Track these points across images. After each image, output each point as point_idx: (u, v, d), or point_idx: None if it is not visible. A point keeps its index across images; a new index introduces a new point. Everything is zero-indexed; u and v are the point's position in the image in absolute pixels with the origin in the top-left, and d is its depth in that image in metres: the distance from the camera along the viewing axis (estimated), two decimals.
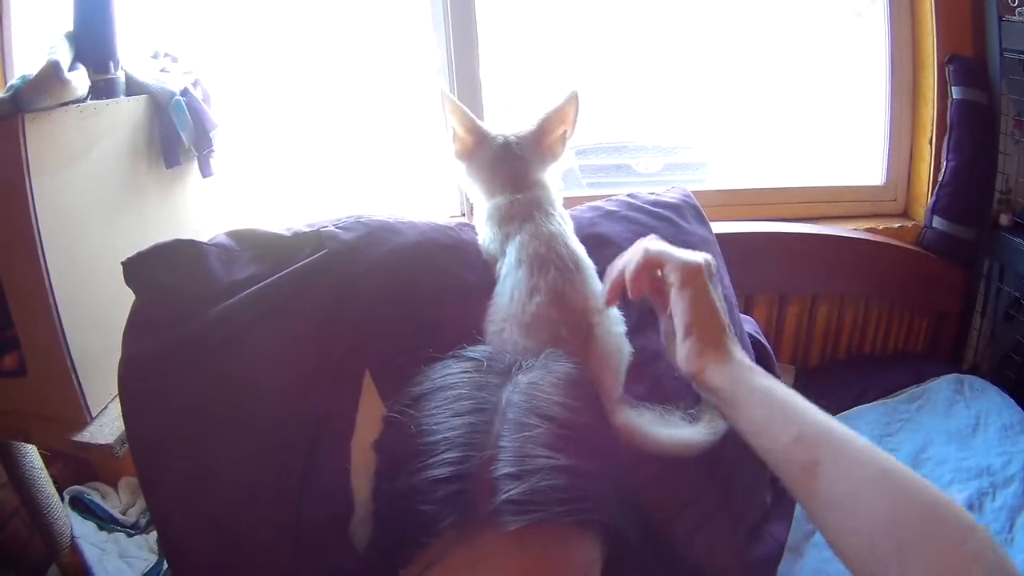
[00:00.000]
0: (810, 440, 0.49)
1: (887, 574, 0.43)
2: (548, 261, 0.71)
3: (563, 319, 0.67)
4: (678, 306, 0.58)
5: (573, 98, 0.78)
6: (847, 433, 0.50)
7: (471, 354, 0.59)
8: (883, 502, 0.46)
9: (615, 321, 0.71)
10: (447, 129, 0.81)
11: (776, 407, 0.52)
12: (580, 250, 0.75)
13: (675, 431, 0.65)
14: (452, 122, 0.80)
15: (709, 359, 0.56)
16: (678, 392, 0.70)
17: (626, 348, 0.71)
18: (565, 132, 0.80)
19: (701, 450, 0.65)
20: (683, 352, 0.57)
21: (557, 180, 0.82)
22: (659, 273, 0.62)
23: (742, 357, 0.57)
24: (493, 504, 0.45)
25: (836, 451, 0.48)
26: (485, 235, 0.79)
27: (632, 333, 0.72)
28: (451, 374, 0.56)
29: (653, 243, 0.62)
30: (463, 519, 0.45)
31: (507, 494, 0.45)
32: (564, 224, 0.77)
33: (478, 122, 0.79)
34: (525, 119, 0.80)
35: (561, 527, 0.47)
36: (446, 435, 0.49)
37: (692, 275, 0.58)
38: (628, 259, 0.63)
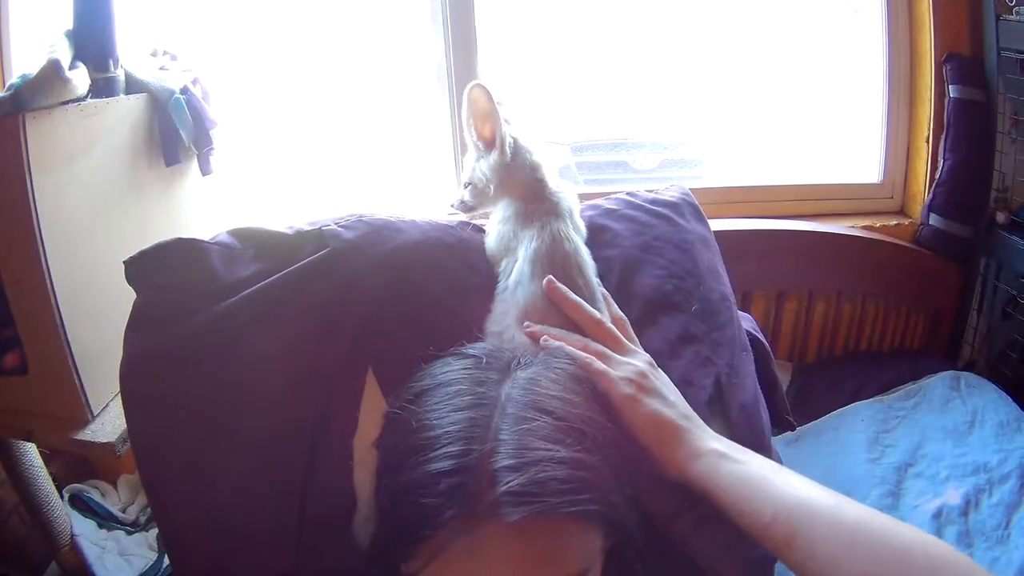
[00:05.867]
0: (784, 516, 0.52)
1: None
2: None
3: None
4: (631, 429, 0.60)
5: (468, 98, 0.75)
6: (818, 498, 0.52)
7: (471, 351, 0.59)
8: (860, 554, 0.48)
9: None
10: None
11: (748, 491, 0.55)
12: (593, 278, 0.74)
13: None
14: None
15: (679, 463, 0.58)
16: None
17: None
18: (490, 128, 0.76)
19: None
20: (657, 463, 0.59)
21: (571, 186, 0.80)
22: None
23: (712, 446, 0.59)
24: (493, 495, 0.46)
25: (809, 520, 0.51)
26: (495, 234, 0.78)
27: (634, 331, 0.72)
28: (451, 371, 0.56)
29: (596, 364, 0.62)
30: (464, 511, 0.46)
31: (507, 485, 0.46)
32: (580, 241, 0.76)
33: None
34: (520, 115, 0.79)
35: (562, 518, 0.47)
36: (446, 429, 0.50)
37: (629, 403, 0.60)
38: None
